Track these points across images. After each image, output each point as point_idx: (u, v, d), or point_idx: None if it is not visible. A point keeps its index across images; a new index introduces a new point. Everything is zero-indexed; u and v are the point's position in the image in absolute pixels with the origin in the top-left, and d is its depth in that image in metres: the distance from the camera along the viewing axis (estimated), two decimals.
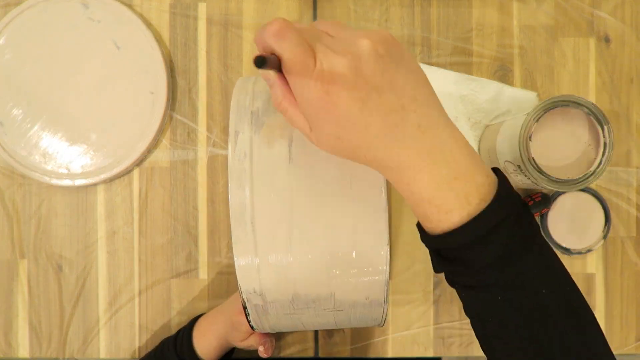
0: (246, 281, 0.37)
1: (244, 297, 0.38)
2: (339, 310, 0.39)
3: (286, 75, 0.30)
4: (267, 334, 0.53)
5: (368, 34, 0.30)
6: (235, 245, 0.37)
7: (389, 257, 0.37)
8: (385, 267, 0.37)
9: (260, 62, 0.28)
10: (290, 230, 0.36)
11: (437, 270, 0.35)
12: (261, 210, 0.37)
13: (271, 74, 0.31)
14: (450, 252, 0.32)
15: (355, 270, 0.37)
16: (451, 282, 0.35)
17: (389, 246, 0.37)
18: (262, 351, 0.51)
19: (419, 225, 0.34)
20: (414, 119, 0.30)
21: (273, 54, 0.29)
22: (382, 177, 0.37)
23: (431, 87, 0.32)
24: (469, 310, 0.34)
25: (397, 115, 0.29)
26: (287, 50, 0.28)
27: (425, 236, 0.33)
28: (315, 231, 0.37)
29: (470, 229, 0.30)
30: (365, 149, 0.30)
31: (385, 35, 0.30)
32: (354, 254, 0.37)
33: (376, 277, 0.37)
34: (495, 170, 0.33)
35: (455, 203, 0.30)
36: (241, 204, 0.37)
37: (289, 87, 0.31)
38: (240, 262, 0.37)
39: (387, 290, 0.38)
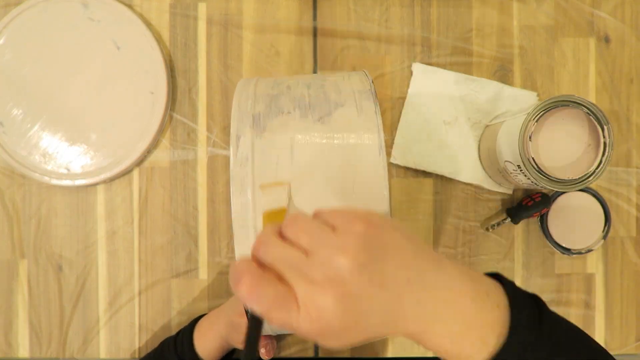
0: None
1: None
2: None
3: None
4: (268, 336, 0.53)
5: (343, 240, 0.28)
6: (237, 248, 0.37)
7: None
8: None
9: (257, 322, 0.29)
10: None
11: None
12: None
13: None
14: None
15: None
16: None
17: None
18: (263, 353, 0.51)
19: None
20: (412, 298, 0.29)
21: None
22: (384, 181, 0.37)
23: (417, 241, 0.31)
24: None
25: (395, 305, 0.29)
26: (265, 310, 0.28)
27: None
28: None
29: None
30: (372, 337, 0.30)
31: (361, 231, 0.29)
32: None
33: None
34: (499, 277, 0.33)
35: (473, 349, 0.30)
36: (243, 208, 0.37)
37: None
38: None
39: None
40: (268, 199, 0.36)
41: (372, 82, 0.42)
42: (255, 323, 0.30)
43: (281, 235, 0.30)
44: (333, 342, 0.29)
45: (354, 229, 0.29)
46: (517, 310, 0.31)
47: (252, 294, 0.28)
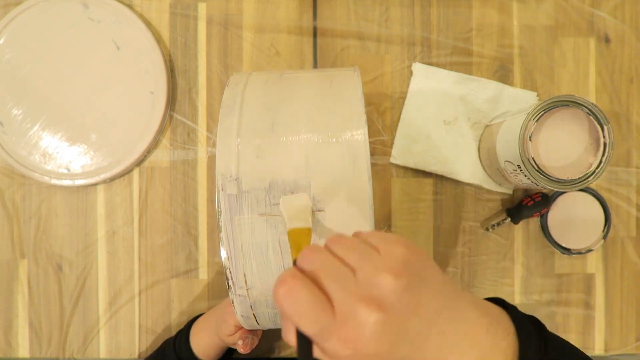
0: (224, 162, 0.38)
1: (219, 183, 0.37)
2: (318, 211, 0.38)
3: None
4: (252, 331, 0.53)
5: (387, 261, 0.28)
6: (220, 129, 0.39)
7: (367, 134, 0.39)
8: (363, 131, 0.38)
9: (306, 342, 0.27)
10: (274, 117, 0.39)
11: None
12: (250, 99, 0.41)
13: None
14: None
15: (330, 133, 0.39)
16: None
17: (366, 125, 0.39)
18: (240, 345, 0.51)
19: None
20: (437, 329, 0.30)
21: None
22: (357, 79, 0.42)
23: (442, 272, 0.32)
24: None
25: (422, 336, 0.29)
26: (298, 314, 0.27)
27: None
28: (297, 114, 0.40)
29: None
30: None
31: (402, 255, 0.29)
32: (330, 124, 0.39)
33: (358, 137, 0.38)
34: (501, 302, 0.34)
35: None
36: (234, 95, 0.41)
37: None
38: (222, 143, 0.38)
39: (367, 154, 0.38)
40: (290, 214, 0.36)
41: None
42: (303, 343, 0.28)
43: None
44: None
45: (396, 252, 0.29)
46: (525, 337, 0.32)
47: (289, 296, 0.27)
